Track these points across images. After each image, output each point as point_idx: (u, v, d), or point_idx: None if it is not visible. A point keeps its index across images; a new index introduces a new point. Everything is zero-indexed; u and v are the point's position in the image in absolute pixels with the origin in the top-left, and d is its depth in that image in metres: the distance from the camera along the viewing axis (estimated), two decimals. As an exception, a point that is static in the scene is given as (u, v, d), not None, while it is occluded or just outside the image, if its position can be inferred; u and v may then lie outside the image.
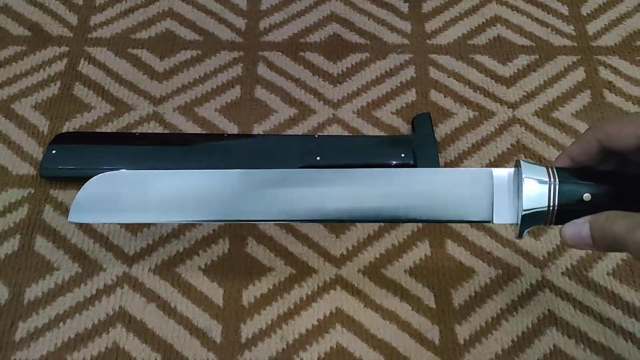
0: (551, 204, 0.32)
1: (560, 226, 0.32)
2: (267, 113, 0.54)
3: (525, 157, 0.52)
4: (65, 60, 0.57)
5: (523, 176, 0.32)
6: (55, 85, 0.55)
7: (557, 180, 0.32)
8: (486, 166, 0.51)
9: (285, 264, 0.46)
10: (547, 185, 0.32)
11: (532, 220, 0.32)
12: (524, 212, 0.32)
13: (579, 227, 0.31)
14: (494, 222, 0.34)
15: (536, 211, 0.32)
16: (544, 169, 0.33)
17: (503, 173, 0.35)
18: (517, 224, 0.33)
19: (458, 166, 0.51)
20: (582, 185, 0.32)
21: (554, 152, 0.52)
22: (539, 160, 0.51)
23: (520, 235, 0.33)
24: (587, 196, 0.32)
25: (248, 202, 0.37)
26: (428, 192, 0.35)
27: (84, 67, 0.56)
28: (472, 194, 0.35)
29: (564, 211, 0.32)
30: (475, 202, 0.34)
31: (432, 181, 0.36)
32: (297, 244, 0.47)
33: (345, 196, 0.36)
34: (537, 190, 0.32)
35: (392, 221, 0.46)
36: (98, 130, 0.53)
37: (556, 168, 0.33)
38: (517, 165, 0.34)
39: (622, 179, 0.33)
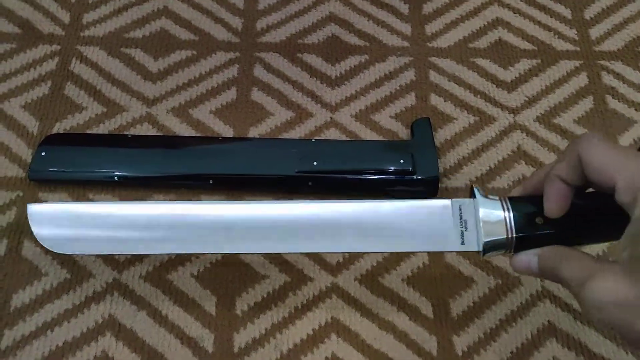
0: (509, 234, 0.34)
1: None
2: (263, 116, 0.53)
3: (525, 163, 0.51)
4: (56, 59, 0.55)
5: (480, 209, 0.35)
6: (45, 84, 0.54)
7: (510, 209, 0.34)
8: (486, 172, 0.50)
9: (280, 271, 0.45)
10: (503, 216, 0.34)
11: (493, 249, 0.35)
12: (485, 241, 0.34)
13: (528, 258, 0.33)
14: (460, 250, 0.36)
15: (496, 241, 0.34)
16: (498, 201, 0.35)
17: (461, 203, 0.37)
18: (480, 251, 0.35)
19: (458, 173, 0.50)
20: (534, 210, 0.34)
21: (555, 158, 0.51)
22: (539, 166, 0.51)
23: (482, 256, 0.35)
24: (539, 219, 0.33)
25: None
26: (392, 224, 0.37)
27: (76, 67, 0.55)
28: (436, 225, 0.36)
29: (522, 238, 0.34)
30: (441, 233, 0.36)
31: (396, 214, 0.37)
32: (292, 251, 0.46)
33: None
34: (494, 221, 0.34)
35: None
36: (89, 131, 0.51)
37: (508, 198, 0.35)
38: (472, 195, 0.36)
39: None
